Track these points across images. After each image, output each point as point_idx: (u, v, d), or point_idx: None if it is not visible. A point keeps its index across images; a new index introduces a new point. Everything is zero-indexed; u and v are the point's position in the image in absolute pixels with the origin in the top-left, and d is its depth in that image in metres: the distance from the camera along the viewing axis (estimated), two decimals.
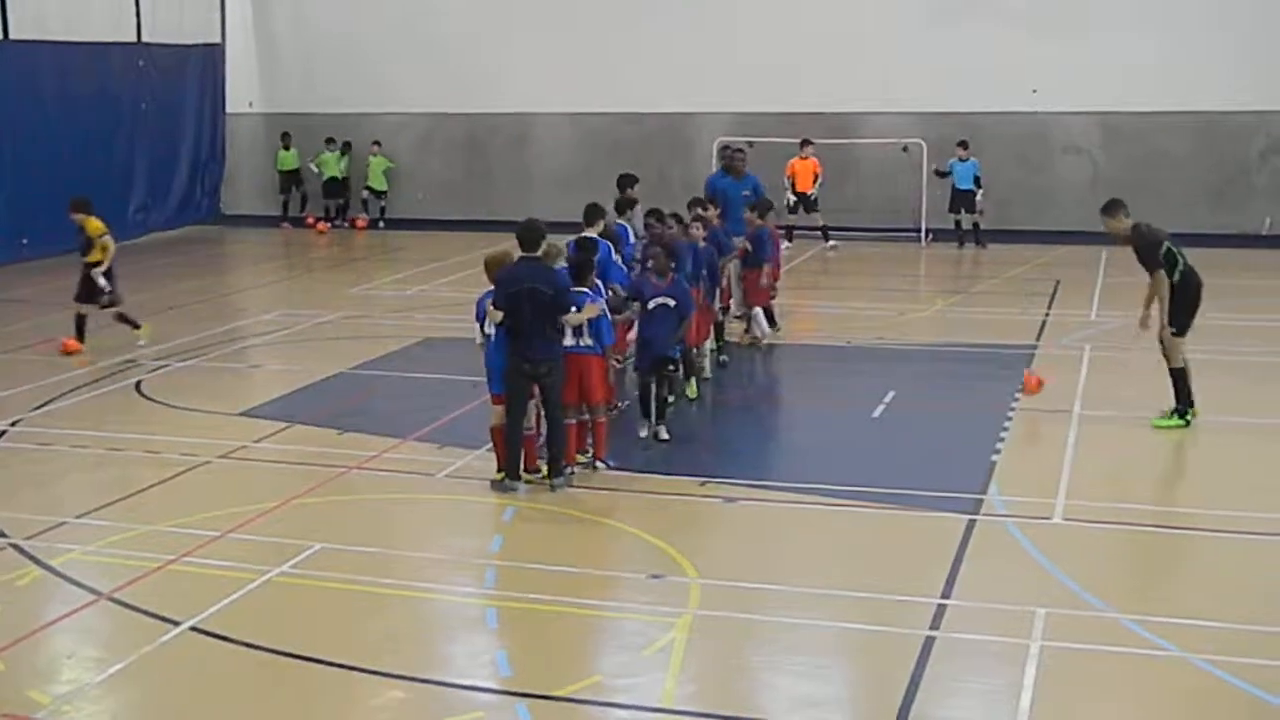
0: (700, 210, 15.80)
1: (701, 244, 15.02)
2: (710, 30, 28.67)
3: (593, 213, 14.56)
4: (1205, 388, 15.01)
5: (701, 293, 14.80)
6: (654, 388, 13.14)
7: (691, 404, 14.28)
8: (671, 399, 13.75)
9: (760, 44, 28.32)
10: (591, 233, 14.30)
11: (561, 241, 13.08)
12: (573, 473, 12.07)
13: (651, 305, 12.99)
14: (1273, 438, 13.48)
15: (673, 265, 13.39)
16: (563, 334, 11.74)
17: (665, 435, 13.18)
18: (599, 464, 12.40)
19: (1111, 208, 13.83)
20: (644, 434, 13.17)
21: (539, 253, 11.74)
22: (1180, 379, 13.66)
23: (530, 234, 11.75)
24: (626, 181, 17.19)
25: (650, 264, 13.35)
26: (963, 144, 26.13)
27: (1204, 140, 26.87)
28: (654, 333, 13.06)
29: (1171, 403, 13.71)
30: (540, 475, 11.96)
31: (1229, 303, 20.34)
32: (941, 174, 26.38)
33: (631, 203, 16.32)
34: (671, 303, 13.00)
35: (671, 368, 13.31)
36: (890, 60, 27.73)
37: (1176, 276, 13.49)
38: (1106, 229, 13.87)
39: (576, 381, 11.98)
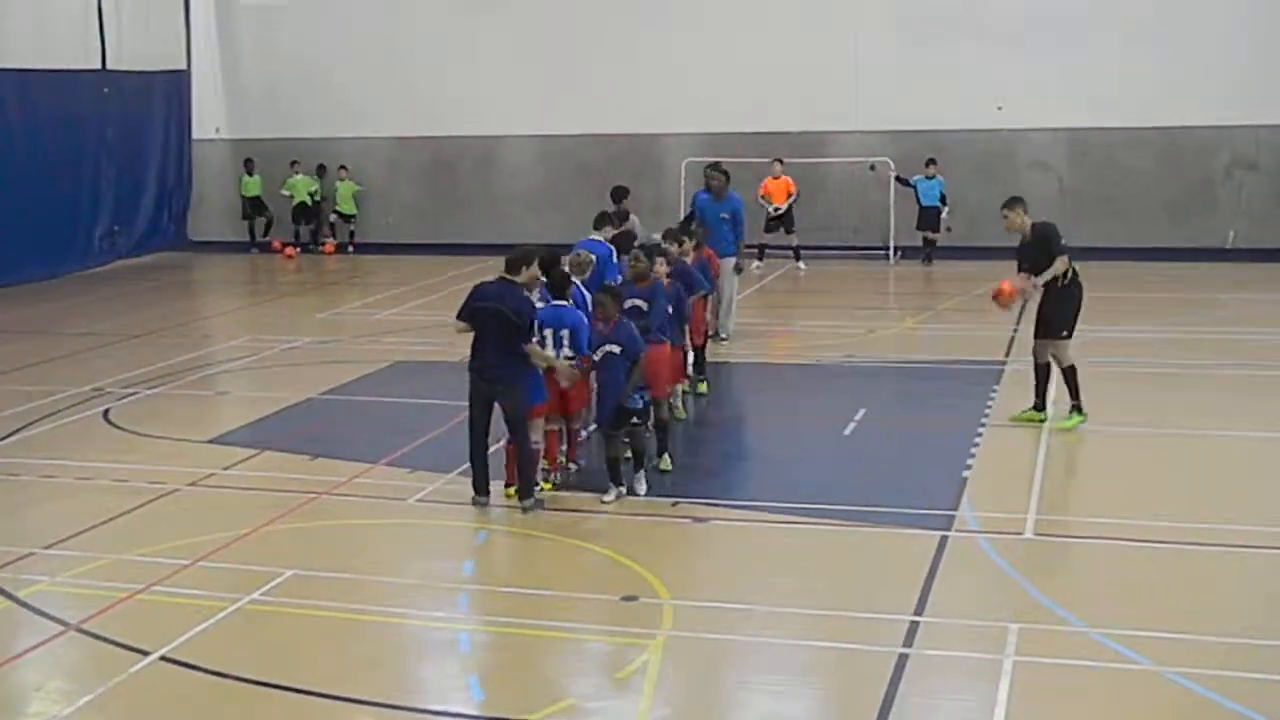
0: (672, 243, 15.01)
1: (666, 281, 13.68)
2: (676, 50, 28.75)
3: (601, 220, 15.72)
4: (1172, 401, 15.14)
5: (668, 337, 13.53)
6: (618, 445, 12.07)
7: (664, 476, 12.73)
8: (667, 462, 12.90)
9: (726, 63, 28.43)
10: (599, 236, 15.36)
11: (587, 254, 13.82)
12: (546, 489, 12.18)
13: (599, 355, 12.00)
14: (1239, 450, 13.57)
15: (621, 309, 12.32)
16: (523, 357, 11.73)
17: (642, 489, 12.10)
18: (572, 464, 12.74)
19: (1013, 203, 14.20)
20: (609, 498, 11.96)
21: (519, 278, 11.82)
22: (1072, 376, 14.13)
23: (513, 258, 11.93)
24: (621, 194, 18.65)
25: (596, 309, 12.25)
26: (930, 161, 26.31)
27: (1168, 156, 27.10)
28: (605, 382, 12.09)
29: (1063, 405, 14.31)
30: (516, 488, 12.05)
31: (1194, 316, 20.52)
32: (904, 182, 26.56)
33: (626, 215, 17.20)
34: (616, 349, 11.92)
35: (635, 420, 12.05)
36: (856, 79, 27.87)
37: (1067, 279, 13.98)
38: (1006, 225, 14.16)
39: (556, 391, 12.15)
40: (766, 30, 28.26)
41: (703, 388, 15.80)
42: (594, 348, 12.03)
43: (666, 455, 12.94)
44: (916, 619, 9.35)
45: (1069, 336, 14.11)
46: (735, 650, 9.07)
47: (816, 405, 15.90)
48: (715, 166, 19.45)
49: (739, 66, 28.37)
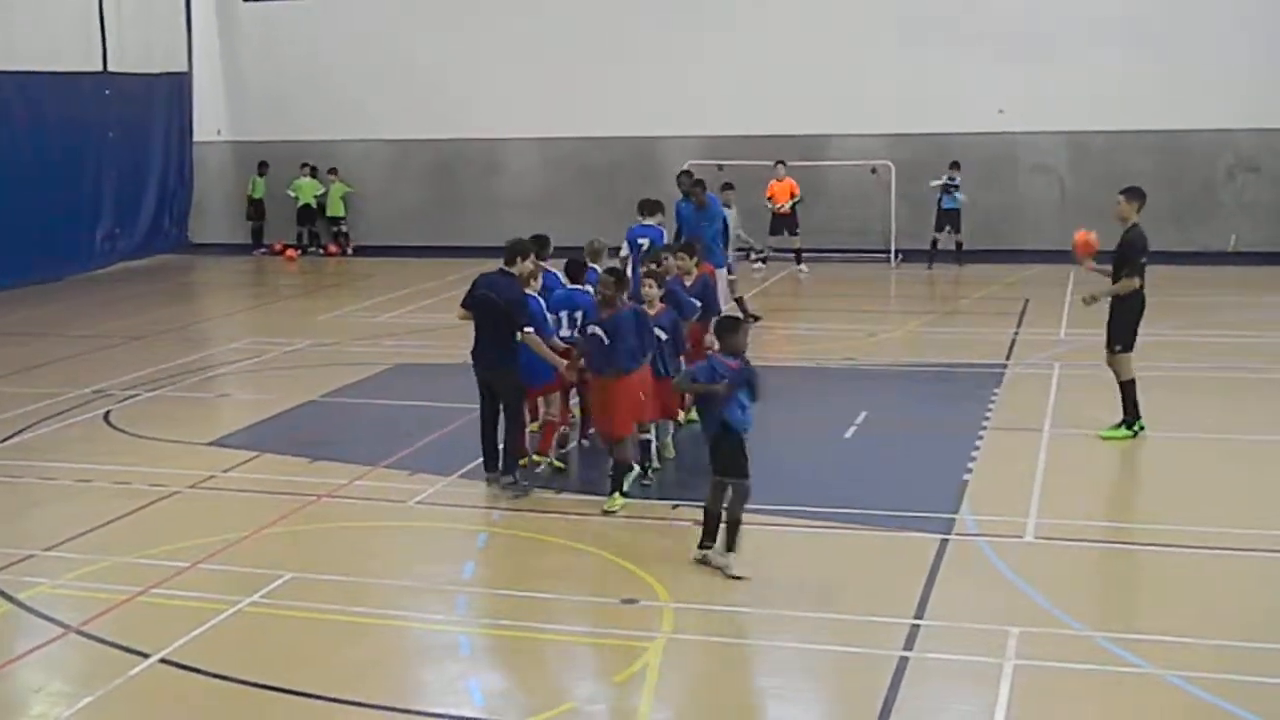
0: (672, 259, 14.09)
1: (660, 306, 12.69)
2: (677, 53, 28.74)
3: (655, 206, 17.06)
4: (1174, 404, 15.11)
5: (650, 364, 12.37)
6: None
7: (649, 485, 12.28)
8: (617, 501, 11.82)
9: (727, 66, 28.44)
10: (651, 222, 16.76)
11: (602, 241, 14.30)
12: (526, 479, 12.48)
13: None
14: (1242, 453, 13.54)
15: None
16: (513, 344, 12.21)
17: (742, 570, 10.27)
18: (583, 441, 13.60)
19: (1136, 194, 13.85)
20: (735, 572, 10.20)
21: (514, 269, 12.39)
22: (1129, 391, 13.91)
23: (509, 251, 12.55)
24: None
25: (720, 341, 10.84)
26: (954, 165, 26.04)
27: (1170, 159, 27.04)
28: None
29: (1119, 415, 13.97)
30: (549, 460, 12.82)
31: (1196, 319, 20.49)
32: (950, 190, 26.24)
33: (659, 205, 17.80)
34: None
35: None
36: (858, 82, 27.83)
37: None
38: (1118, 210, 13.76)
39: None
40: (767, 33, 28.24)
41: (693, 415, 13.80)
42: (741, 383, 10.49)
43: (618, 494, 11.86)
44: (917, 622, 9.34)
45: (1124, 350, 13.82)
46: (735, 653, 9.08)
47: (818, 408, 15.86)
48: (688, 174, 19.50)
49: (740, 69, 28.37)
